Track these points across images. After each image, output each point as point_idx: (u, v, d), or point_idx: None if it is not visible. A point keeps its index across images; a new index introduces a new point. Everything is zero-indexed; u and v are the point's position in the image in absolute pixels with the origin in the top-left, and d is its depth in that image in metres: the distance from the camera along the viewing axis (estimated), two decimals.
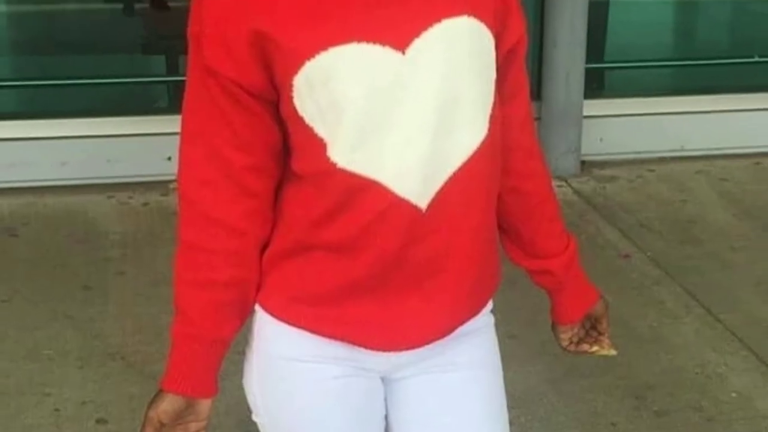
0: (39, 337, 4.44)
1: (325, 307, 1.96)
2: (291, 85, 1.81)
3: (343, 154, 1.83)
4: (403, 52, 1.80)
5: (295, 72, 1.79)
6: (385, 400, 2.09)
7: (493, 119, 1.92)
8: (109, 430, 3.84)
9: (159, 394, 1.95)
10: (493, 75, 1.93)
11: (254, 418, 2.09)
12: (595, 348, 2.28)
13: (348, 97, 1.80)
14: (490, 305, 2.14)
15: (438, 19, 1.82)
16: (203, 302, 1.94)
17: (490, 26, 1.89)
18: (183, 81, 1.91)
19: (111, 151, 6.14)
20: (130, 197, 5.98)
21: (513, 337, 4.17)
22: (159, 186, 5.93)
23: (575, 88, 6.45)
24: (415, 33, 1.81)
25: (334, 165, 1.84)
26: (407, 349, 2.01)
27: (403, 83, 1.81)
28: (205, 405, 1.98)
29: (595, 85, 7.08)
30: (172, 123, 2.19)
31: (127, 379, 4.10)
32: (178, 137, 1.92)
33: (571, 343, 2.28)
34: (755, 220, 5.85)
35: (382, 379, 2.07)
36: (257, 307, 2.00)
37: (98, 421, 3.88)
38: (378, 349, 2.00)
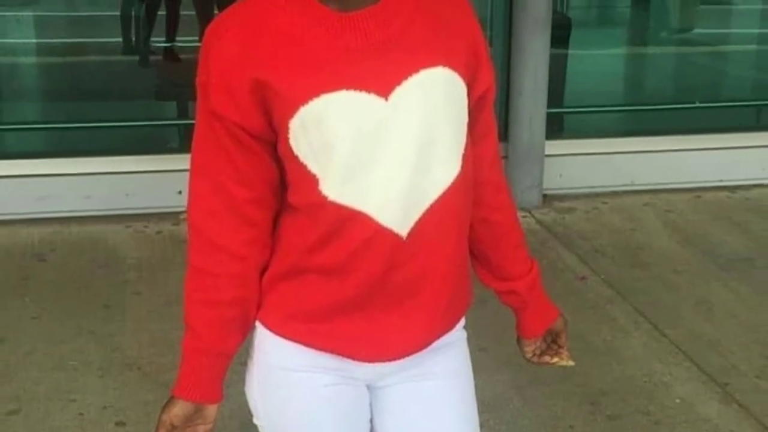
0: (65, 349, 4.42)
1: (317, 324, 1.96)
2: (287, 128, 1.81)
3: (333, 189, 1.83)
4: (386, 99, 1.80)
5: (291, 116, 1.79)
6: (370, 406, 2.09)
7: (465, 158, 1.92)
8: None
9: (171, 400, 1.95)
10: (465, 119, 1.93)
11: (255, 421, 2.09)
12: (555, 359, 2.28)
13: (338, 138, 1.80)
14: (463, 321, 2.14)
15: (417, 70, 1.83)
16: (210, 319, 1.94)
17: (463, 76, 1.90)
18: (192, 124, 1.91)
19: (129, 185, 6.12)
20: (146, 226, 5.96)
21: (483, 350, 4.16)
22: (171, 216, 5.91)
23: (538, 131, 6.45)
24: (397, 82, 1.81)
25: (325, 198, 1.84)
26: (390, 360, 2.00)
27: (386, 126, 1.81)
28: (211, 410, 1.97)
29: (556, 128, 7.08)
30: (182, 161, 2.19)
31: (143, 387, 4.08)
32: (187, 173, 1.93)
33: (534, 355, 2.27)
34: (695, 247, 5.85)
35: (368, 387, 2.06)
36: (257, 324, 2.00)
37: (117, 424, 3.85)
38: (364, 361, 1.99)
